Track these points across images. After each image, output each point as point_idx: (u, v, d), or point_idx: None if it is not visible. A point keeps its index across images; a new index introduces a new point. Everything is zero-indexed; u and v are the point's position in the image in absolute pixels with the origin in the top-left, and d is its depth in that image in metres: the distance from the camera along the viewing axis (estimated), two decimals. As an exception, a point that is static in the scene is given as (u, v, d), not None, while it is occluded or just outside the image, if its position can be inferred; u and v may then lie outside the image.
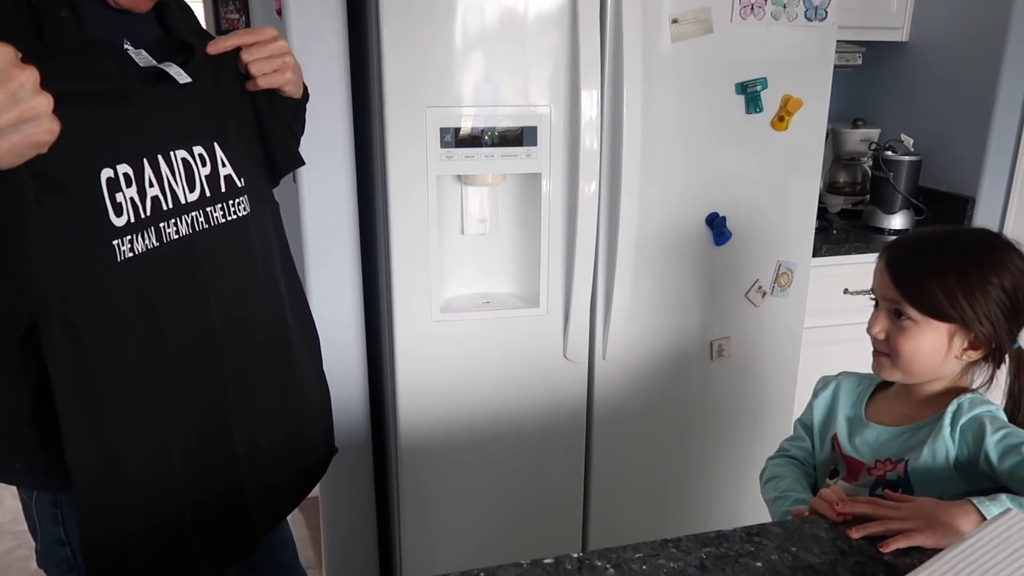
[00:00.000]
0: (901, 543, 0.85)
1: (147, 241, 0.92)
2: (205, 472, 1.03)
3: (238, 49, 1.03)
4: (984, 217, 2.25)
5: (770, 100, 1.70)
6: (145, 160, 0.92)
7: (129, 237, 0.90)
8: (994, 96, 2.17)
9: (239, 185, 1.04)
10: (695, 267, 1.76)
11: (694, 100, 1.66)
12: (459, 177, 1.63)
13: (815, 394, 1.24)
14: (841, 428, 1.16)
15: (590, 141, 1.58)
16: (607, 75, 1.58)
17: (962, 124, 2.27)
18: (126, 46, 0.97)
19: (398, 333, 1.63)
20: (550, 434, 1.77)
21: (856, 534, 0.88)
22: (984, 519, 0.84)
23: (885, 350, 1.07)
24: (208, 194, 1.00)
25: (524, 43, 1.54)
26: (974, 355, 1.05)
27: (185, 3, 1.15)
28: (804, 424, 1.25)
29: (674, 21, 1.60)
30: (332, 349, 1.73)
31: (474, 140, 1.56)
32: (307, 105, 1.24)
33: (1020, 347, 1.06)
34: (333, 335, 1.72)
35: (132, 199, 0.90)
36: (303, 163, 1.22)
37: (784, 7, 1.66)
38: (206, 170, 1.00)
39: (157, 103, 0.94)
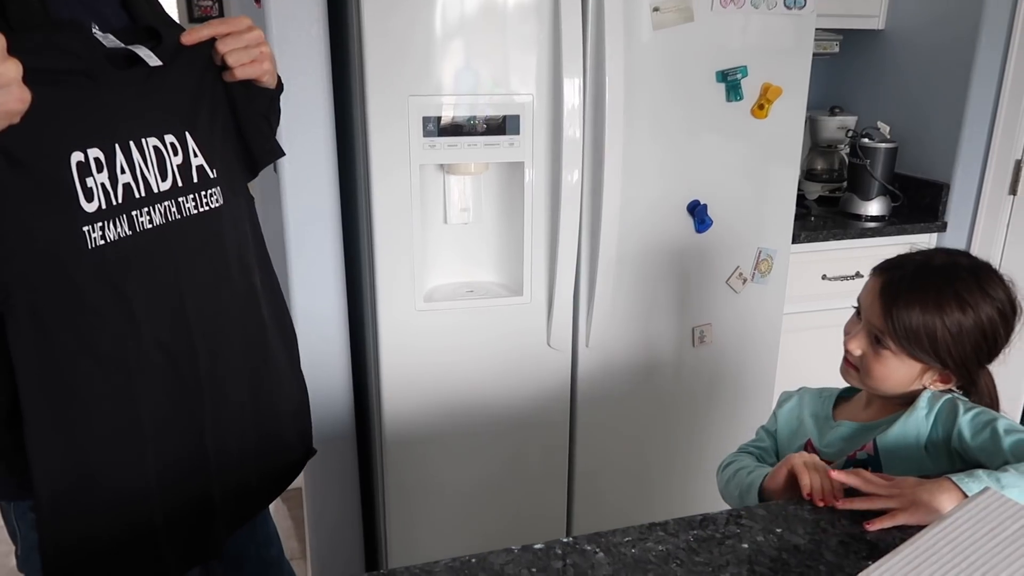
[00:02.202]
0: (886, 523, 0.87)
1: (119, 229, 0.90)
2: (176, 473, 1.01)
3: (212, 40, 1.01)
4: (958, 203, 2.28)
5: (750, 88, 1.71)
6: (116, 145, 0.90)
7: (100, 224, 0.88)
8: (968, 84, 2.20)
9: (211, 176, 1.03)
10: (677, 254, 1.78)
11: (676, 88, 1.67)
12: (442, 166, 1.63)
13: (779, 405, 1.25)
14: (812, 432, 1.17)
15: (573, 129, 1.59)
16: (589, 63, 1.59)
17: (937, 112, 2.31)
18: (94, 30, 0.94)
19: (382, 323, 1.63)
20: (534, 421, 1.78)
21: (842, 505, 0.90)
22: (964, 495, 0.86)
23: (857, 364, 1.09)
24: (180, 184, 0.98)
25: (506, 31, 1.54)
26: (941, 386, 1.08)
27: None
28: (767, 430, 1.26)
29: (655, 9, 1.61)
30: (315, 340, 1.73)
31: (456, 129, 1.56)
32: (285, 95, 1.22)
33: None
34: (316, 326, 1.72)
35: (103, 184, 0.88)
36: (283, 154, 1.20)
37: (764, -5, 1.67)
38: (178, 159, 0.98)
39: (127, 87, 0.92)
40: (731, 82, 1.69)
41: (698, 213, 1.75)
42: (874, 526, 0.87)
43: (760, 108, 1.73)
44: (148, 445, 0.96)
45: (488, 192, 1.71)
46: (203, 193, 1.01)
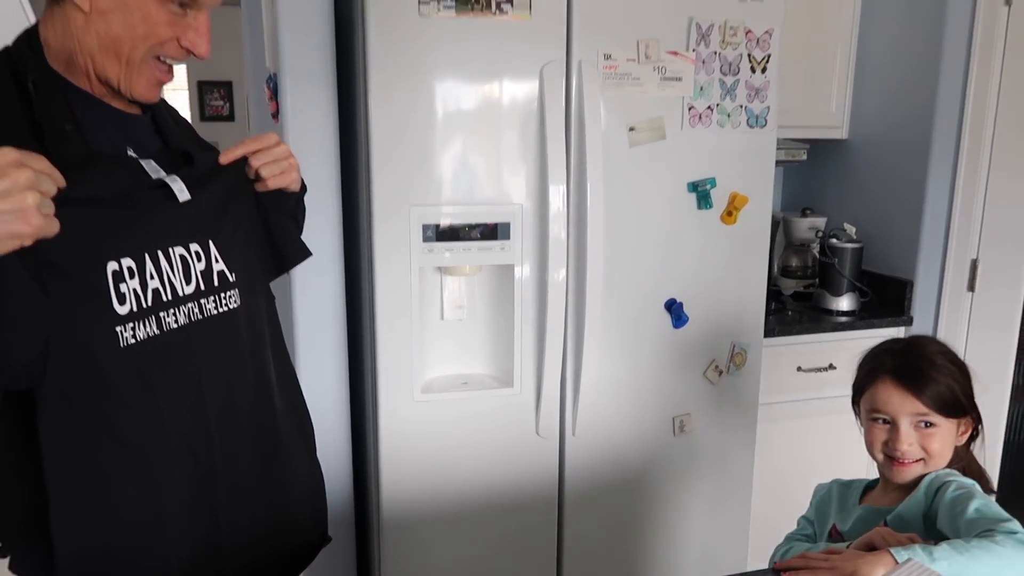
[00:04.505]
0: None
1: (148, 329, 1.01)
2: (192, 552, 1.08)
3: (244, 156, 1.15)
4: (922, 299, 2.44)
5: (719, 197, 1.89)
6: (146, 255, 1.01)
7: (131, 324, 0.98)
8: (924, 188, 2.38)
9: (230, 280, 1.13)
10: (656, 348, 1.91)
11: (651, 197, 1.84)
12: (439, 268, 1.78)
13: (815, 495, 1.37)
14: (836, 517, 1.29)
15: (558, 232, 1.75)
16: (572, 176, 1.76)
17: (898, 213, 2.48)
18: (131, 153, 1.07)
19: (382, 412, 1.75)
20: (525, 507, 1.88)
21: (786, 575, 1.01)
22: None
23: (918, 456, 1.18)
24: (203, 287, 1.09)
25: (499, 148, 1.72)
26: (964, 437, 1.22)
27: (183, 118, 1.27)
28: (807, 519, 1.37)
29: (631, 129, 1.80)
30: (318, 427, 1.84)
31: (453, 234, 1.72)
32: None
33: None
34: (320, 414, 1.82)
35: (135, 290, 0.99)
36: (310, 254, 1.32)
37: (728, 116, 1.87)
38: (201, 265, 1.09)
39: (161, 206, 1.05)
40: (701, 192, 1.87)
41: (675, 310, 1.90)
42: None
43: (729, 215, 1.90)
44: (167, 526, 1.05)
45: (481, 291, 1.86)
46: (222, 295, 1.12)
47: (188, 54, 1.06)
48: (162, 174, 1.07)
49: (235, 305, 1.14)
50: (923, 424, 1.18)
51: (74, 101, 1.03)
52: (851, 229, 2.49)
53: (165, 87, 1.15)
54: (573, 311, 1.82)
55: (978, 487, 1.13)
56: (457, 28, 1.64)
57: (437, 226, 1.71)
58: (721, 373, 1.99)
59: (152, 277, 1.02)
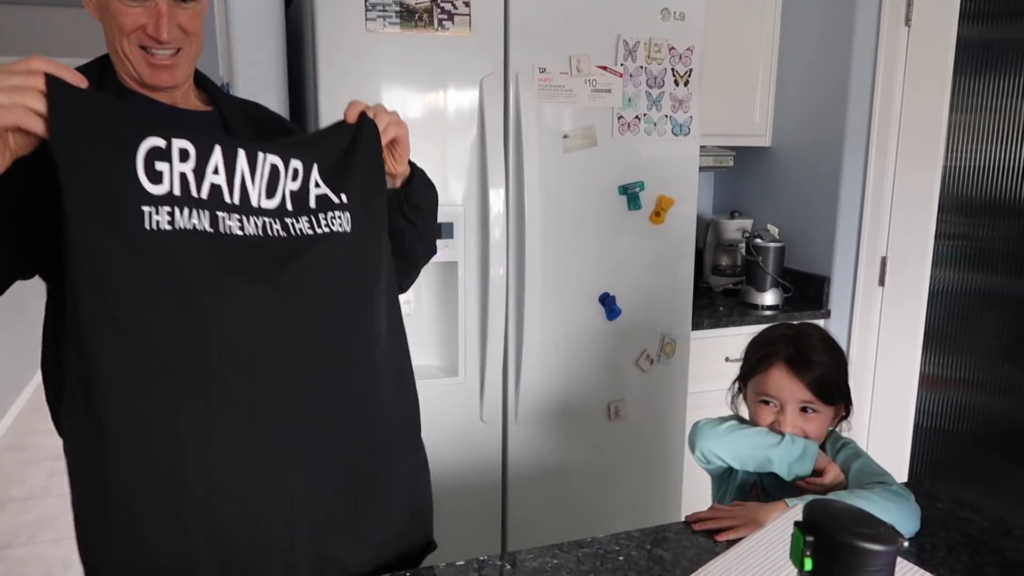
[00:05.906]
0: (730, 535, 1.13)
1: (196, 221, 0.92)
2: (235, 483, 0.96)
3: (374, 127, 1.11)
4: (838, 294, 2.64)
5: (648, 199, 2.05)
6: (218, 147, 0.94)
7: (168, 208, 0.90)
8: (838, 191, 2.58)
9: (336, 201, 1.04)
10: (592, 339, 2.06)
11: (585, 199, 1.99)
12: (387, 265, 1.90)
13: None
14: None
15: (498, 232, 1.88)
16: (511, 179, 1.90)
17: (816, 214, 2.69)
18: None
19: (334, 402, 1.86)
20: (471, 488, 2.00)
21: (697, 527, 1.15)
22: (789, 514, 1.12)
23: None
24: (289, 207, 1.01)
25: (442, 153, 1.85)
26: (835, 422, 1.37)
27: (270, 113, 1.29)
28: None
29: (565, 136, 1.95)
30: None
31: (400, 234, 1.84)
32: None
33: None
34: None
35: (183, 174, 0.91)
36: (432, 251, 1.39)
37: (655, 125, 2.03)
38: (294, 185, 1.01)
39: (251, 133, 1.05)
40: (631, 194, 2.03)
41: (608, 303, 2.05)
42: (722, 537, 1.13)
43: (657, 215, 2.07)
44: (186, 447, 0.93)
45: (428, 287, 1.98)
46: (323, 216, 1.04)
47: (155, 40, 1.09)
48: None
49: (339, 228, 1.05)
50: (806, 410, 1.32)
51: (129, 102, 1.11)
52: (774, 230, 2.68)
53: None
54: (514, 305, 1.95)
55: (862, 449, 1.31)
56: (402, 42, 1.76)
57: (385, 226, 1.82)
58: (652, 362, 2.14)
59: (216, 172, 0.94)
